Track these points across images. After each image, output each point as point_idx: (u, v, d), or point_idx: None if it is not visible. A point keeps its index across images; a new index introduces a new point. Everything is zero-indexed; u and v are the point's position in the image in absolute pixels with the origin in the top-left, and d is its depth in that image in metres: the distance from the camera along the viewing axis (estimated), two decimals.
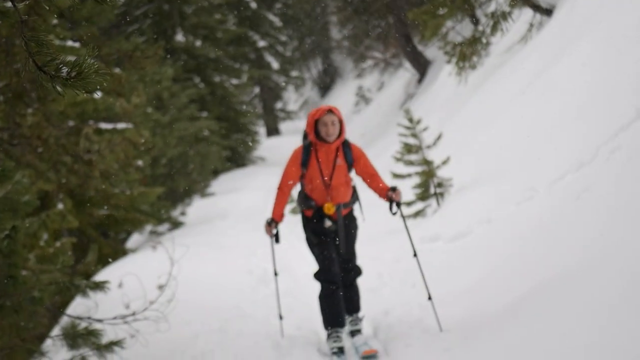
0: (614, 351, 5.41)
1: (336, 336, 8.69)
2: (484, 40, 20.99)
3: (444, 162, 14.31)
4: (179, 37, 32.61)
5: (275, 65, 50.21)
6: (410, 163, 14.51)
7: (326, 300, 8.76)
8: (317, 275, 8.85)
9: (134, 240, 22.52)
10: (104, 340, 7.48)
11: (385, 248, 12.67)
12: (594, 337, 5.82)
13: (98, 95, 13.10)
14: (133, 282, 7.53)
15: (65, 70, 3.73)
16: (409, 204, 14.71)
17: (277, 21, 51.16)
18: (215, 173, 31.38)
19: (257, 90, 52.01)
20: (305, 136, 8.78)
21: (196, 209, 23.72)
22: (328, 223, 8.70)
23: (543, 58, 16.07)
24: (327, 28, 62.76)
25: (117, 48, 8.65)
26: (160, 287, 7.78)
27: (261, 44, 47.87)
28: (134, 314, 7.62)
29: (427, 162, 14.33)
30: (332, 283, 8.71)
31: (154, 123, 19.99)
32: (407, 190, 14.16)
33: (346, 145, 8.72)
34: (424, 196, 14.60)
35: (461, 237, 11.32)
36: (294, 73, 57.20)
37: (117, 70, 12.55)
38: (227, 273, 12.43)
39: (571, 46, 14.48)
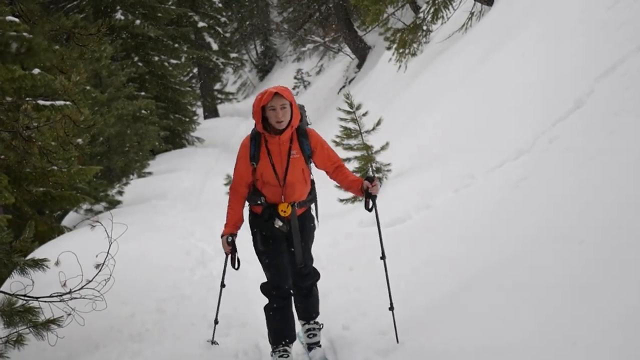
0: (553, 332, 5.50)
1: (283, 350, 7.69)
2: (424, 28, 21.17)
3: (383, 148, 14.37)
4: (118, 16, 32.27)
5: (214, 46, 49.93)
6: (349, 147, 14.55)
7: (274, 315, 7.71)
8: (265, 289, 7.76)
9: (69, 218, 22.31)
10: (42, 318, 7.45)
11: (323, 231, 12.71)
12: (532, 319, 5.92)
13: (36, 71, 12.97)
14: (70, 260, 7.45)
15: (14, 45, 3.69)
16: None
17: (217, 2, 50.82)
18: (153, 153, 31.17)
19: (195, 70, 51.69)
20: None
21: (133, 188, 23.53)
22: (279, 223, 7.43)
23: (483, 47, 16.22)
24: (267, 10, 62.66)
25: (59, 24, 8.55)
26: (98, 266, 7.72)
27: (201, 24, 47.55)
28: (70, 292, 7.57)
29: (366, 147, 14.39)
30: (282, 299, 7.66)
31: (92, 101, 19.84)
32: None
33: (302, 134, 7.45)
34: None
35: (399, 223, 11.37)
36: (233, 54, 56.92)
37: (57, 47, 12.43)
38: (165, 253, 12.39)
39: (511, 36, 14.63)
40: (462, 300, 7.37)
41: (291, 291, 7.76)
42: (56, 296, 7.60)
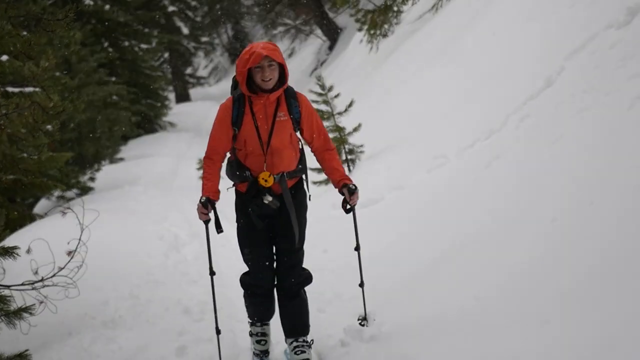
0: (524, 310, 5.52)
1: (261, 334, 7.23)
2: (395, 8, 21.14)
3: (355, 129, 14.37)
4: (87, 1, 32.05)
5: (185, 30, 49.78)
6: None
7: (253, 302, 7.16)
8: (246, 283, 7.09)
9: (41, 205, 22.20)
10: (14, 306, 7.39)
11: None
12: (503, 297, 5.94)
13: (4, 58, 12.87)
14: (42, 247, 7.42)
15: None
16: (320, 170, 14.72)
17: None
18: (125, 139, 31.05)
19: (166, 55, 51.52)
20: (235, 85, 6.73)
21: (105, 174, 23.48)
22: (269, 198, 6.57)
23: (453, 27, 16.22)
24: None
25: (27, 10, 8.47)
26: (70, 253, 7.67)
27: (171, 8, 47.36)
28: (42, 280, 7.52)
29: (338, 129, 14.38)
30: (263, 294, 7.07)
31: (62, 87, 19.71)
32: None
33: (291, 95, 6.68)
34: None
35: (372, 203, 11.37)
36: (204, 38, 56.79)
37: (25, 33, 12.31)
38: (138, 239, 12.34)
39: (481, 16, 14.65)
40: (433, 278, 7.40)
41: (273, 289, 7.08)
42: (28, 284, 7.54)
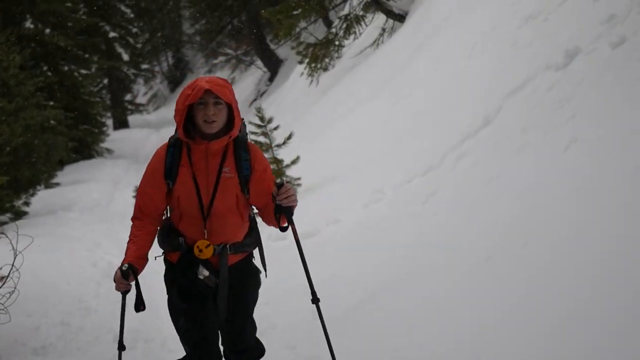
0: (453, 345, 5.58)
1: None
2: (336, 43, 21.28)
3: (294, 162, 14.39)
4: (28, 24, 31.81)
5: (125, 56, 49.57)
6: None
7: None
8: None
9: None
10: None
11: None
12: (437, 332, 6.00)
13: None
14: None
15: None
16: None
17: (129, 12, 50.47)
18: (61, 164, 30.77)
19: (105, 81, 51.26)
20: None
21: (40, 199, 23.24)
22: (205, 272, 5.21)
23: (394, 63, 16.37)
24: (180, 22, 62.38)
25: None
26: (2, 279, 7.61)
27: (112, 34, 47.14)
28: None
29: (276, 161, 14.39)
30: None
31: None
32: None
33: (240, 146, 5.34)
34: None
35: (309, 237, 11.35)
36: (144, 65, 56.59)
37: None
38: (71, 265, 12.23)
39: (422, 52, 14.80)
40: (366, 314, 7.42)
41: None
42: None
